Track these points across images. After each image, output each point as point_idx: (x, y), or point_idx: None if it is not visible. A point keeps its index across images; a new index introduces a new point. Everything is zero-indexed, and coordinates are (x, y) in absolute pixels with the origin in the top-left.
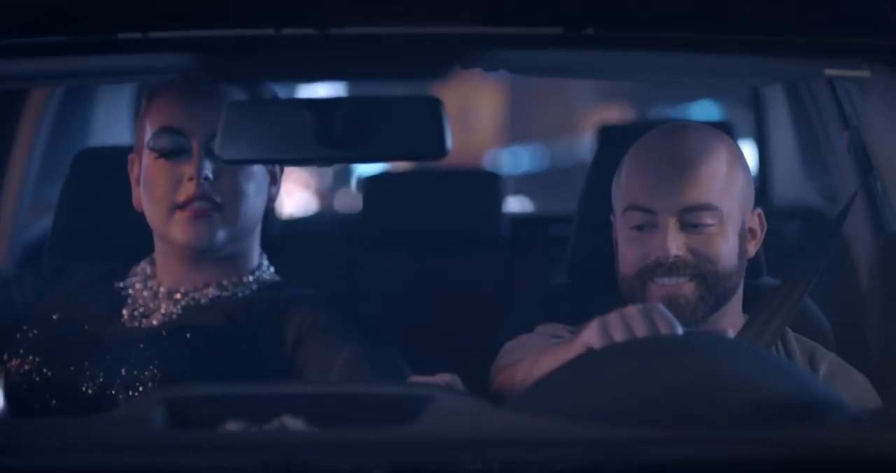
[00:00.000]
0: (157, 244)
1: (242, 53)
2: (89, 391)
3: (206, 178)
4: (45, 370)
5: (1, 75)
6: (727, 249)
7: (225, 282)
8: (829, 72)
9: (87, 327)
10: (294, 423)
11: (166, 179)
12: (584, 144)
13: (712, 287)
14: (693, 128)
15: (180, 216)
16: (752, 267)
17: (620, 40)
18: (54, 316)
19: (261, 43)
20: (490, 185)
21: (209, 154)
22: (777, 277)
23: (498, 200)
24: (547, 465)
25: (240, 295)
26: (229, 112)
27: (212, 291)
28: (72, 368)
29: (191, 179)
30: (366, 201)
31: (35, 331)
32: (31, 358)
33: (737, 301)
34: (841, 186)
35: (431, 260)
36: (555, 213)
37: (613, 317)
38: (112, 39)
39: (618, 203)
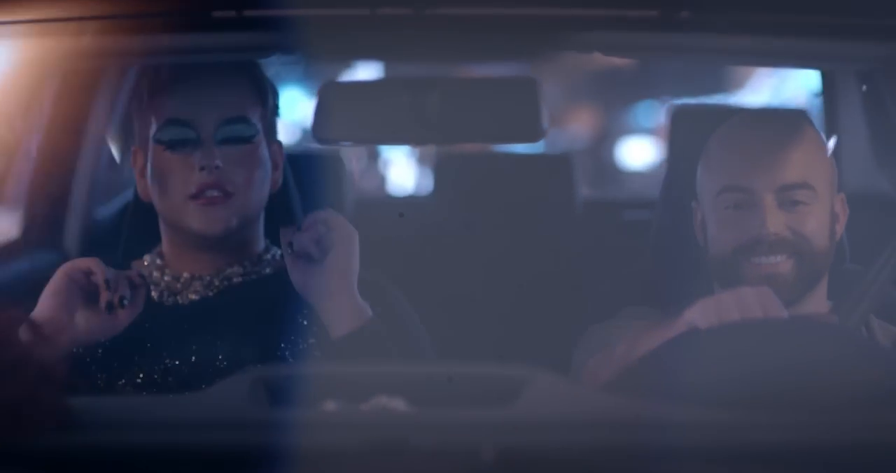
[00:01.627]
0: (168, 234)
1: (337, 32)
2: (156, 367)
3: (217, 167)
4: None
5: (93, 52)
6: (822, 229)
7: (246, 263)
8: None
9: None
10: (392, 403)
11: (177, 170)
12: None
13: (808, 266)
14: (781, 112)
15: (193, 205)
16: (836, 253)
17: (715, 23)
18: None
19: (356, 22)
20: (564, 169)
21: (217, 142)
22: (858, 264)
23: (572, 184)
24: (650, 448)
25: (268, 271)
26: (323, 93)
27: (237, 270)
28: (133, 352)
29: (202, 169)
30: (437, 183)
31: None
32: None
33: (823, 286)
34: None
35: (505, 245)
36: (627, 198)
37: (721, 298)
38: (207, 17)
39: (710, 185)
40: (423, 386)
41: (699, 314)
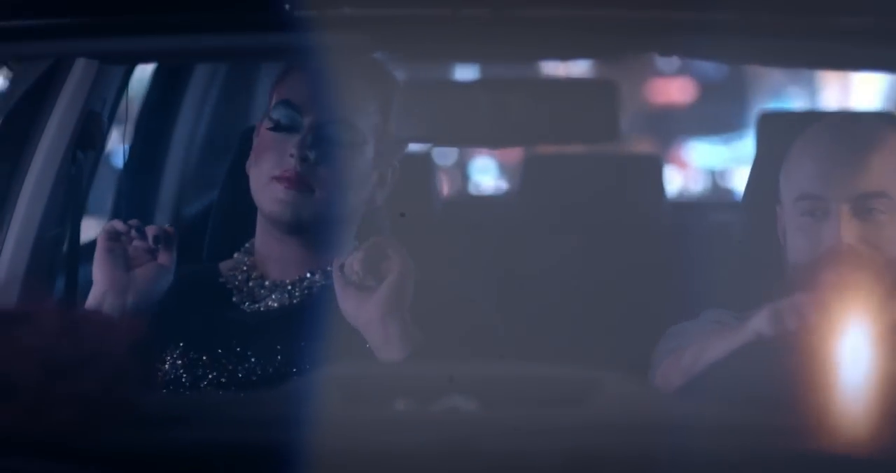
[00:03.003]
0: (261, 224)
1: (419, 32)
2: (242, 369)
3: (306, 159)
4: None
5: (166, 52)
6: None
7: (329, 269)
8: None
9: (207, 314)
10: (463, 403)
11: (272, 150)
12: None
13: (882, 276)
14: (864, 117)
15: (274, 186)
16: None
17: (793, 28)
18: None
19: (438, 22)
20: (653, 170)
21: (318, 136)
22: None
23: (661, 185)
24: (714, 453)
25: None
26: (404, 92)
27: (319, 278)
28: (218, 351)
29: (292, 155)
30: (524, 183)
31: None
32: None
33: None
34: None
35: (592, 245)
36: (716, 200)
37: (786, 305)
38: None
39: (788, 191)
40: (494, 386)
41: (764, 322)
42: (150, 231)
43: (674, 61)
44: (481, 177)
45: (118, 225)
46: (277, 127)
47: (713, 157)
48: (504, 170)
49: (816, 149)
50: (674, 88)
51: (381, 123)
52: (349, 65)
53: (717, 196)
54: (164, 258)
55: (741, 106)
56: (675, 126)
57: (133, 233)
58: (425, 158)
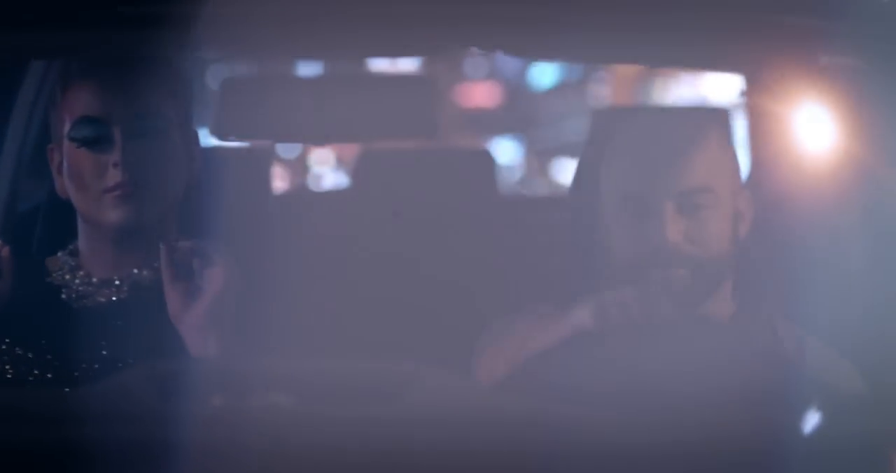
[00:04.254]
0: (85, 231)
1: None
2: (67, 365)
3: (130, 163)
4: (20, 351)
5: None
6: (722, 233)
7: (156, 265)
8: None
9: (33, 310)
10: (277, 399)
11: (90, 167)
12: None
13: (707, 272)
14: (680, 110)
15: (109, 198)
16: (743, 252)
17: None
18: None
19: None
20: (485, 165)
21: (131, 138)
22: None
23: (493, 180)
24: (532, 447)
25: None
26: (223, 89)
27: (146, 274)
28: (44, 348)
29: (115, 166)
30: (353, 178)
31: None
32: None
33: (728, 287)
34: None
35: (418, 241)
36: (544, 196)
37: (608, 300)
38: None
39: (610, 190)
40: (312, 382)
41: (587, 316)
42: None
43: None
44: (320, 169)
45: None
46: (86, 143)
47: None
48: (341, 162)
49: (633, 145)
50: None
51: (176, 99)
52: (128, 62)
53: (546, 191)
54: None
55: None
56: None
57: None
58: (266, 152)
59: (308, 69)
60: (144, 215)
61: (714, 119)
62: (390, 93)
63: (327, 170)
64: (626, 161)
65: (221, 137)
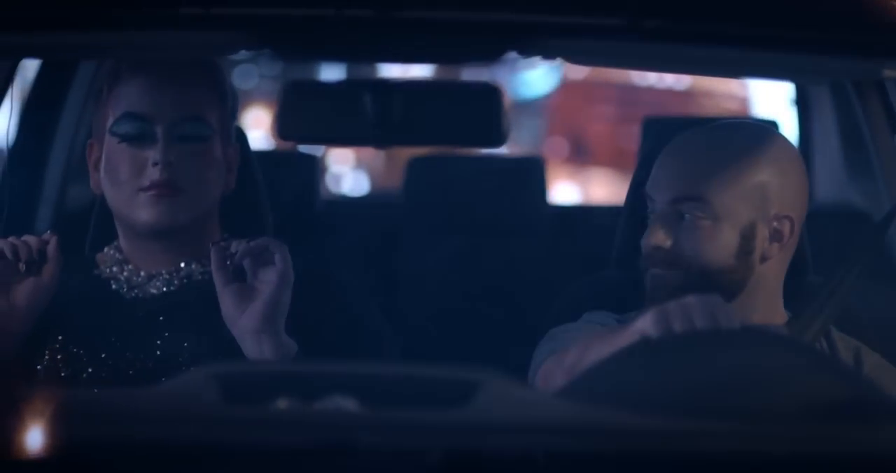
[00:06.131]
0: (122, 230)
1: (301, 32)
2: (121, 363)
3: (170, 163)
4: (74, 349)
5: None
6: (717, 245)
7: (204, 260)
8: (888, 73)
9: (89, 304)
10: (345, 403)
11: (130, 164)
12: None
13: (696, 280)
14: (726, 126)
15: (144, 197)
16: (797, 266)
17: (681, 33)
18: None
19: (320, 22)
20: (536, 172)
21: (173, 139)
22: (822, 276)
23: (542, 187)
24: (596, 454)
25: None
26: (287, 91)
27: (196, 268)
28: (97, 345)
29: (155, 164)
30: (407, 184)
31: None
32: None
33: (770, 298)
34: (885, 188)
35: (474, 247)
36: (599, 203)
37: (672, 307)
38: (174, 14)
39: (651, 194)
40: (378, 387)
41: (650, 323)
42: (30, 244)
43: None
44: (339, 168)
45: None
46: (128, 139)
47: None
48: (360, 161)
49: (665, 154)
50: None
51: (221, 109)
52: (177, 63)
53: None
54: (46, 271)
55: None
56: None
57: (7, 252)
58: (313, 159)
59: (371, 72)
60: (176, 217)
61: (758, 135)
62: (460, 100)
63: (346, 170)
64: (654, 168)
65: (285, 138)
